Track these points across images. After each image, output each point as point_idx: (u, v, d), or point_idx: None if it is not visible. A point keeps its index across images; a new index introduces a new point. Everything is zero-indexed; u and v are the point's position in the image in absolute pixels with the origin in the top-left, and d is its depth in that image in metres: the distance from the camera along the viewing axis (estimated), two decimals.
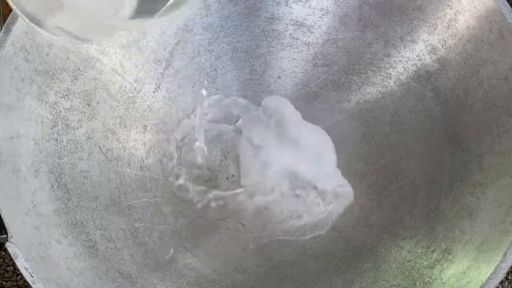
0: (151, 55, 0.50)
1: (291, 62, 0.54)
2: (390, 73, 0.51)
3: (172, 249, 0.47)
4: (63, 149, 0.44)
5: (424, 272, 0.42)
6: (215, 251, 0.49)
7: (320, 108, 0.54)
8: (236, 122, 0.54)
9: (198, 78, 0.54)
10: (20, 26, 0.40)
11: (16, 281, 0.61)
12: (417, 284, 0.41)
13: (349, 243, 0.49)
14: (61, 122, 0.44)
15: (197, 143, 0.53)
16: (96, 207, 0.45)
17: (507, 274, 0.54)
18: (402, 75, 0.50)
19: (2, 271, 0.60)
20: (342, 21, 0.51)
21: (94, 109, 0.47)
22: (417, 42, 0.48)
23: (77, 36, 0.30)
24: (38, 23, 0.29)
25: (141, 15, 0.29)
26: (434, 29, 0.47)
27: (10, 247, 0.35)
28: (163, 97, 0.52)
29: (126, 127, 0.49)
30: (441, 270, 0.41)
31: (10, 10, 0.40)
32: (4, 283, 0.59)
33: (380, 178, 0.51)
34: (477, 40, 0.43)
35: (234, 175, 0.52)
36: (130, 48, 0.49)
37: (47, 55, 0.43)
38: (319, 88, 0.54)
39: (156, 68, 0.51)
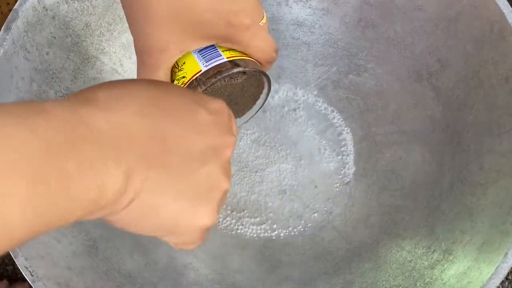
0: None
1: (291, 62, 0.54)
2: (390, 73, 0.51)
3: (172, 249, 0.47)
4: None
5: (425, 273, 0.42)
6: (215, 251, 0.49)
7: (320, 108, 0.54)
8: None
9: None
10: (20, 24, 0.40)
11: None
12: (418, 285, 0.41)
13: (349, 243, 0.49)
14: None
15: None
16: None
17: (508, 274, 0.54)
18: (402, 75, 0.50)
19: (2, 271, 0.60)
20: (343, 21, 0.51)
21: None
22: (418, 42, 0.48)
23: None
24: None
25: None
26: (435, 29, 0.46)
27: None
28: None
29: None
30: (442, 271, 0.40)
31: (10, 9, 0.40)
32: None
33: (380, 178, 0.51)
34: (478, 40, 0.43)
35: (233, 174, 0.52)
36: (130, 47, 0.48)
37: (47, 54, 0.42)
38: (319, 88, 0.54)
39: None
